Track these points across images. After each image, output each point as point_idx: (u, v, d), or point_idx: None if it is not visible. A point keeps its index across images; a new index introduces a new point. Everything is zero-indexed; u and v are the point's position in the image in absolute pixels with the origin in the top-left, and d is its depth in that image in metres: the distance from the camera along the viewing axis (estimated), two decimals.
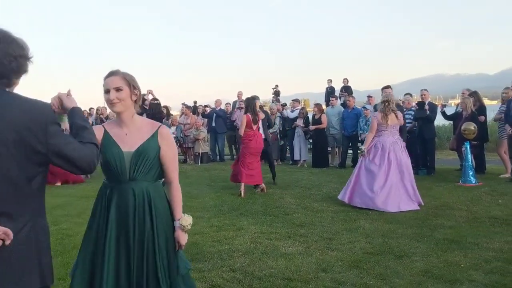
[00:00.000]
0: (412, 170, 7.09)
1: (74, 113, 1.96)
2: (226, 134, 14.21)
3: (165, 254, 2.42)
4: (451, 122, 11.20)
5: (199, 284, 3.87)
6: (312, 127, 11.90)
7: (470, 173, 8.47)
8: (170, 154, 2.45)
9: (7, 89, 1.82)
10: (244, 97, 15.21)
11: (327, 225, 5.87)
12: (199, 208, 7.02)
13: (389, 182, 6.69)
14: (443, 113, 10.43)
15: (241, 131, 8.04)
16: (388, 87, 8.58)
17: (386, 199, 6.60)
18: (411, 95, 11.15)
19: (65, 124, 2.03)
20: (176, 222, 2.46)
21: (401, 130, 8.43)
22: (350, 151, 12.10)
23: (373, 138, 6.96)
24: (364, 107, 11.72)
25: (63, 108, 1.99)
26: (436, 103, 12.94)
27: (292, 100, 14.28)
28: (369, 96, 12.36)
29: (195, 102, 17.27)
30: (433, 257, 4.52)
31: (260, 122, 8.77)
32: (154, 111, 11.23)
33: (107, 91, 2.35)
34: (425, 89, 10.57)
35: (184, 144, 13.91)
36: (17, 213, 1.76)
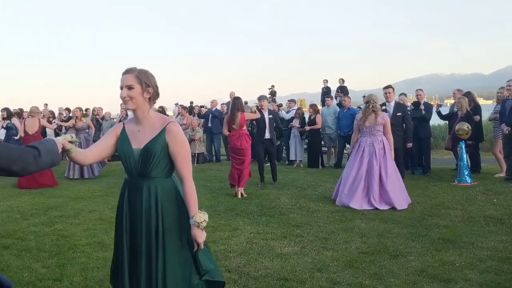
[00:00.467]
0: (406, 170, 7.12)
1: None
2: (222, 134, 14.19)
3: (175, 251, 2.47)
4: (447, 121, 11.24)
5: None
6: (307, 128, 11.91)
7: (466, 173, 8.50)
8: (178, 150, 2.44)
9: None
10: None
11: (322, 225, 5.87)
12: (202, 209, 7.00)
13: (356, 181, 6.91)
14: (439, 113, 10.47)
15: (224, 131, 8.34)
16: (389, 86, 8.58)
17: (350, 195, 6.88)
18: (405, 95, 11.18)
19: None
20: (191, 220, 2.47)
21: (405, 131, 8.48)
22: (345, 151, 12.12)
23: (358, 138, 7.18)
24: (359, 107, 11.73)
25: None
26: (432, 103, 12.99)
27: (288, 101, 14.30)
28: (364, 96, 12.37)
29: (191, 103, 17.27)
30: (428, 256, 4.53)
31: (268, 121, 8.79)
32: None
33: (121, 88, 2.45)
34: (420, 89, 10.60)
35: None
36: None
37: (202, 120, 14.47)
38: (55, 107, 16.76)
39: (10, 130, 12.11)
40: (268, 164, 9.57)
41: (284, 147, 13.54)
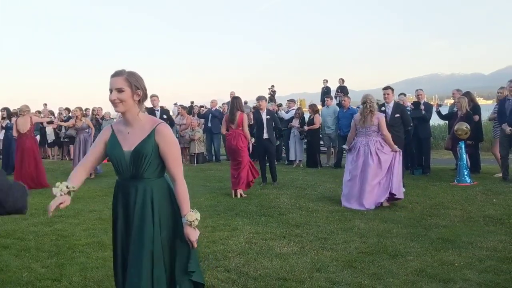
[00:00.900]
0: (405, 170, 7.14)
1: None
2: (221, 134, 14.20)
3: (167, 249, 2.49)
4: (446, 121, 11.24)
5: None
6: (305, 128, 11.91)
7: (465, 173, 8.50)
8: (168, 151, 2.45)
9: None
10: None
11: (322, 225, 5.87)
12: (194, 208, 7.01)
13: (351, 181, 6.97)
14: (438, 113, 10.47)
15: (222, 130, 8.37)
16: (388, 88, 8.57)
17: (348, 196, 6.96)
18: (405, 95, 11.18)
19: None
20: (183, 218, 2.46)
21: (407, 131, 8.49)
22: (344, 152, 12.12)
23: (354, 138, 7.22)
24: (359, 107, 11.73)
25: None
26: (432, 103, 12.98)
27: (288, 101, 14.30)
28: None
29: (192, 102, 17.24)
30: (427, 256, 4.53)
31: (265, 122, 8.78)
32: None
33: (110, 91, 2.44)
34: (420, 89, 10.60)
35: (180, 145, 13.91)
36: None
37: (202, 120, 14.47)
38: (55, 107, 16.76)
39: (10, 130, 12.11)
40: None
41: (283, 147, 13.53)
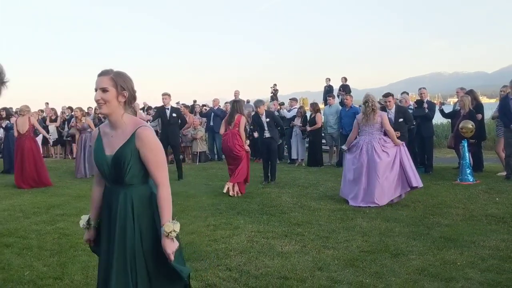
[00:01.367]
0: None
1: None
2: None
3: (151, 263, 2.37)
4: (449, 120, 11.21)
5: (195, 283, 3.87)
6: (308, 128, 11.88)
7: (468, 171, 8.48)
8: (148, 155, 2.31)
9: None
10: (241, 96, 15.25)
11: (324, 223, 5.86)
12: (196, 207, 7.02)
13: (356, 180, 6.97)
14: (441, 111, 10.44)
15: (221, 130, 8.40)
16: (388, 95, 8.53)
17: (352, 192, 6.98)
18: (407, 93, 11.15)
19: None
20: (162, 228, 2.29)
21: (409, 130, 8.50)
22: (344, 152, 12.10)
23: (356, 137, 7.22)
24: (361, 106, 11.71)
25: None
26: (435, 101, 12.94)
27: (290, 99, 14.28)
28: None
29: (194, 101, 17.25)
30: (429, 255, 4.52)
31: (265, 124, 8.78)
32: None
33: (95, 90, 2.34)
34: (423, 87, 10.58)
35: (182, 143, 13.91)
36: None
37: (204, 119, 14.47)
38: (57, 106, 16.77)
39: (10, 130, 12.12)
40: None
41: (285, 146, 13.52)
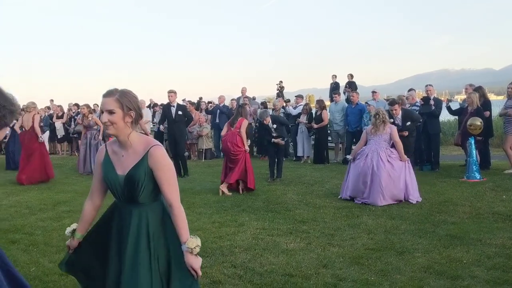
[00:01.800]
0: (414, 165, 7.14)
1: None
2: None
3: (165, 276, 2.36)
4: (456, 117, 11.13)
5: (200, 280, 3.87)
6: (315, 126, 11.84)
7: (475, 169, 8.42)
8: (162, 175, 2.33)
9: None
10: (248, 93, 15.23)
11: (329, 221, 5.85)
12: (202, 204, 7.03)
13: (360, 180, 6.94)
14: (448, 108, 10.37)
15: (222, 132, 8.51)
16: (394, 103, 8.49)
17: (357, 193, 6.99)
18: (414, 90, 11.08)
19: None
20: (183, 245, 2.31)
21: (416, 127, 8.52)
22: (353, 147, 12.05)
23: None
24: (367, 103, 11.67)
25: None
26: (442, 98, 12.86)
27: (296, 96, 14.23)
28: (373, 92, 12.31)
29: (200, 98, 17.24)
30: (435, 253, 4.50)
31: (273, 130, 8.79)
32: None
33: (101, 112, 2.35)
34: (430, 84, 10.51)
35: (188, 141, 13.92)
36: None
37: (210, 116, 14.47)
38: (65, 103, 16.84)
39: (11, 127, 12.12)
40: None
41: (291, 143, 13.50)
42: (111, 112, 2.28)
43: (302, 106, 12.86)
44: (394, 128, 7.14)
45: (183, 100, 16.22)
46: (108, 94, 2.32)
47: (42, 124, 14.99)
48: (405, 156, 7.01)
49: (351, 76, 17.78)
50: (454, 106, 10.75)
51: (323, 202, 6.94)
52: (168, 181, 2.34)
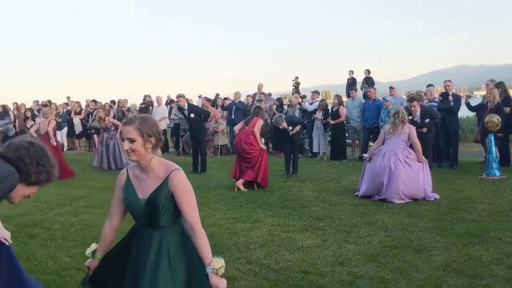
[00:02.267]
0: (433, 162, 7.03)
1: None
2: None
3: None
4: (476, 113, 10.95)
5: None
6: (331, 122, 11.74)
7: (494, 166, 8.28)
8: (182, 198, 2.36)
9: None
10: (264, 90, 15.18)
11: (345, 218, 5.81)
12: (217, 200, 7.04)
13: (377, 177, 6.83)
14: (468, 104, 10.19)
15: (236, 127, 8.60)
16: (412, 100, 8.37)
17: (373, 190, 6.90)
18: (433, 86, 10.91)
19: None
20: (208, 267, 2.31)
21: (435, 123, 8.41)
22: (371, 144, 11.93)
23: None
24: (384, 99, 11.54)
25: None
26: (461, 94, 12.65)
27: (312, 92, 14.14)
28: (391, 87, 12.17)
29: (217, 95, 17.22)
30: (453, 251, 4.43)
31: (286, 126, 8.75)
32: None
33: (122, 140, 2.39)
34: (449, 80, 10.34)
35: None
36: None
37: (226, 112, 14.47)
38: (82, 100, 17.02)
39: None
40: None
41: (307, 140, 13.43)
42: (132, 140, 2.33)
43: (318, 102, 12.77)
44: (413, 128, 7.02)
45: (199, 96, 16.25)
46: (128, 122, 2.38)
47: (60, 120, 15.25)
48: (423, 157, 6.89)
49: (368, 71, 17.58)
50: (474, 102, 10.56)
51: (339, 199, 6.89)
52: (189, 204, 2.37)
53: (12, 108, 16.09)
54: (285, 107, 14.27)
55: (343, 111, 11.73)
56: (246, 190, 7.77)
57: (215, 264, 2.29)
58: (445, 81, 10.38)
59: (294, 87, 17.92)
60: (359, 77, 17.82)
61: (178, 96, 10.26)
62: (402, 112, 6.96)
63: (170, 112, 15.37)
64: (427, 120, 8.26)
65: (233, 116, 13.84)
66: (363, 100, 12.27)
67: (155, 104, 15.03)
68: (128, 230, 2.59)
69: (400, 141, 6.88)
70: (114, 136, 10.95)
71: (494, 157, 8.33)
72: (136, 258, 2.43)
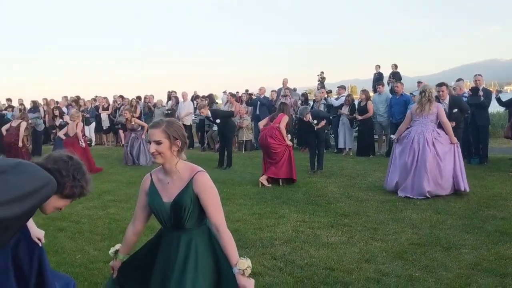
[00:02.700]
0: (463, 159, 6.83)
1: None
2: None
3: None
4: (506, 108, 10.66)
5: None
6: (359, 117, 11.60)
7: None
8: (207, 199, 2.37)
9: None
10: (289, 85, 15.12)
11: (372, 215, 5.73)
12: (242, 195, 7.04)
13: (406, 172, 6.70)
14: (498, 100, 9.93)
15: (260, 123, 8.63)
16: (442, 84, 8.19)
17: (401, 183, 6.75)
18: (463, 80, 10.66)
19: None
20: (234, 268, 2.30)
21: (465, 118, 8.16)
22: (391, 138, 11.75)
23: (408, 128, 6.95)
24: (412, 93, 11.33)
25: None
26: (491, 89, 12.33)
27: (338, 87, 14.01)
28: (419, 82, 11.93)
29: (246, 91, 17.20)
30: (483, 249, 4.33)
31: (311, 119, 8.69)
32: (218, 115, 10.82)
33: (149, 142, 2.42)
34: (479, 74, 10.08)
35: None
36: None
37: (250, 108, 14.47)
38: (109, 95, 17.26)
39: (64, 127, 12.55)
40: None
41: (332, 135, 13.32)
42: (158, 143, 2.35)
43: (344, 97, 12.64)
44: (441, 107, 6.75)
45: (224, 92, 16.29)
46: (155, 125, 2.40)
47: (88, 115, 15.53)
48: (455, 138, 6.65)
49: (395, 66, 17.31)
50: (504, 97, 10.28)
51: (366, 195, 6.81)
52: (214, 205, 2.38)
53: (42, 103, 16.49)
54: (311, 102, 14.17)
55: (371, 106, 11.57)
56: (270, 185, 7.76)
57: (241, 264, 2.28)
58: (475, 76, 10.12)
59: (319, 82, 17.79)
60: (386, 72, 17.57)
61: (199, 108, 10.39)
62: (429, 90, 6.68)
63: (195, 108, 15.48)
64: (455, 110, 8.03)
65: (258, 112, 13.83)
66: (390, 95, 12.07)
67: (181, 99, 15.16)
68: (155, 234, 2.61)
69: (429, 121, 6.66)
70: (140, 136, 11.17)
71: None
72: (163, 261, 2.45)
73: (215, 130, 12.36)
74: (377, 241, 4.70)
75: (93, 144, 15.86)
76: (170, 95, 16.07)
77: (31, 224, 3.19)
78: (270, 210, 6.06)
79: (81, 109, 14.99)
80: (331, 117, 11.48)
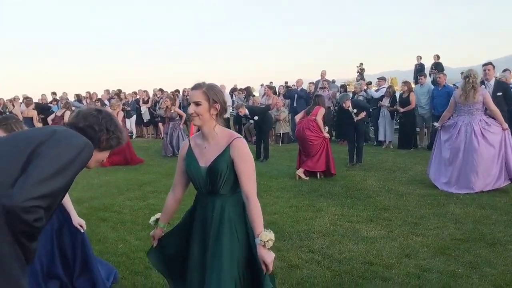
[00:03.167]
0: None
1: None
2: None
3: (245, 269, 2.41)
4: None
5: (278, 263, 3.87)
6: (401, 110, 11.33)
7: None
8: (242, 166, 2.37)
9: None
10: (327, 77, 14.95)
11: (412, 209, 5.60)
12: (279, 188, 7.03)
13: (452, 165, 6.48)
14: None
15: (297, 116, 8.50)
16: (488, 63, 7.88)
17: (445, 176, 6.54)
18: (509, 70, 10.22)
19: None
20: (257, 239, 2.31)
21: (509, 111, 7.78)
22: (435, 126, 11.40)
23: (454, 117, 6.69)
24: (455, 85, 10.97)
25: None
26: None
27: (378, 79, 13.74)
28: (462, 73, 11.54)
29: (286, 83, 17.13)
30: None
31: (351, 108, 8.62)
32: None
33: (188, 104, 2.46)
34: None
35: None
36: None
37: (288, 100, 14.40)
38: (150, 89, 17.57)
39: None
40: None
41: (372, 128, 13.08)
42: (197, 104, 2.37)
43: (384, 88, 12.38)
44: (487, 94, 6.41)
45: (261, 85, 16.28)
46: (196, 87, 2.42)
47: (129, 108, 15.88)
48: (506, 124, 6.34)
49: (437, 57, 16.82)
50: None
51: (406, 189, 6.66)
52: (248, 173, 2.38)
53: (85, 96, 17.00)
54: (350, 94, 13.98)
55: (413, 98, 11.27)
56: (308, 178, 7.71)
57: (264, 236, 2.27)
58: None
59: (358, 73, 17.54)
60: (427, 63, 17.11)
61: (237, 108, 10.52)
62: (474, 75, 6.32)
63: (233, 101, 15.57)
64: (499, 94, 7.68)
65: (295, 104, 13.74)
66: (432, 87, 11.72)
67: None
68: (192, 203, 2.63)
69: (475, 110, 6.37)
70: (178, 126, 11.33)
71: None
72: (200, 228, 2.49)
73: (252, 123, 12.38)
74: (417, 236, 4.59)
75: (134, 136, 16.21)
76: None
77: (72, 211, 3.29)
78: (307, 203, 6.02)
79: (122, 102, 15.35)
80: (371, 109, 11.27)
